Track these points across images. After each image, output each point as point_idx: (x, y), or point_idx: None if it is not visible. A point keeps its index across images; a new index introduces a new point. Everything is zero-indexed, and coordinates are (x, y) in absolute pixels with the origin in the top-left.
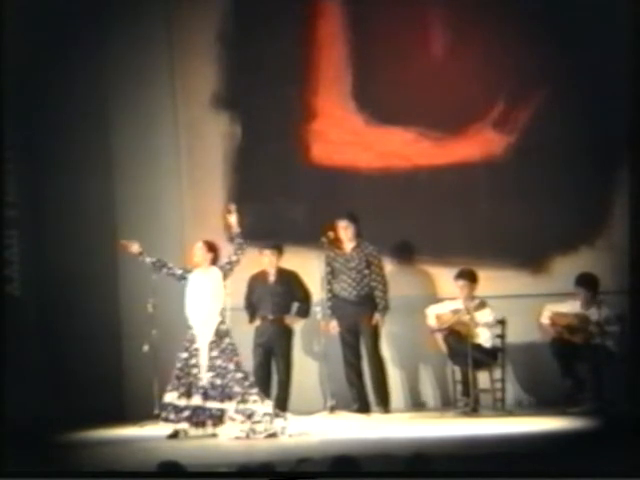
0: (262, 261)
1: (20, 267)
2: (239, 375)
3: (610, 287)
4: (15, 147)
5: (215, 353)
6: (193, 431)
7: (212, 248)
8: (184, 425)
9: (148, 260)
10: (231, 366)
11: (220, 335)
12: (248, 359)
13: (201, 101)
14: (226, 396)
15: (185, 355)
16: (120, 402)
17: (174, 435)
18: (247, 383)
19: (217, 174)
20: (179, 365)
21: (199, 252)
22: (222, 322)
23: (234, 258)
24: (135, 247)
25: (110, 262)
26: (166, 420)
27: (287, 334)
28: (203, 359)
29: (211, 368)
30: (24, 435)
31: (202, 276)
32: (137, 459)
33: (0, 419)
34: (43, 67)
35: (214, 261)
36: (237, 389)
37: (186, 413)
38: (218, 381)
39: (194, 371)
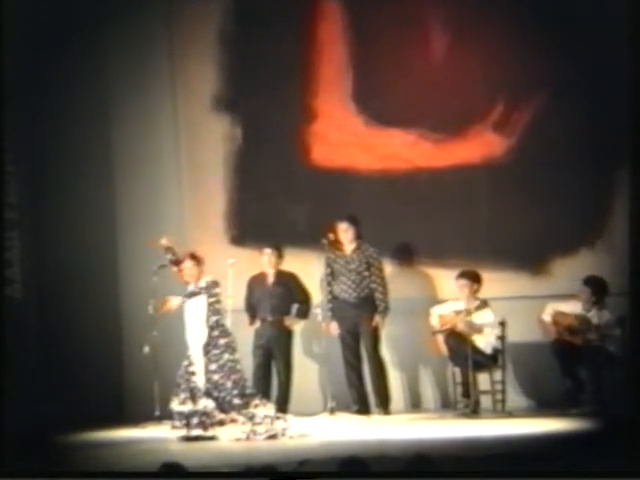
0: (262, 262)
1: (21, 269)
2: (236, 392)
3: (610, 289)
4: (15, 148)
5: (213, 367)
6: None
7: (200, 262)
8: (198, 431)
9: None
10: (229, 384)
11: (219, 347)
12: (248, 360)
13: (201, 102)
14: (227, 407)
15: (185, 362)
16: (120, 403)
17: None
18: (247, 395)
19: (217, 175)
20: (179, 372)
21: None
22: (219, 336)
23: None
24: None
25: (111, 263)
26: (176, 428)
27: (287, 336)
28: (198, 367)
29: (208, 380)
30: (24, 435)
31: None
32: (138, 460)
33: (0, 419)
34: (43, 67)
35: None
36: (236, 401)
37: (195, 420)
38: (216, 394)
39: (193, 378)
